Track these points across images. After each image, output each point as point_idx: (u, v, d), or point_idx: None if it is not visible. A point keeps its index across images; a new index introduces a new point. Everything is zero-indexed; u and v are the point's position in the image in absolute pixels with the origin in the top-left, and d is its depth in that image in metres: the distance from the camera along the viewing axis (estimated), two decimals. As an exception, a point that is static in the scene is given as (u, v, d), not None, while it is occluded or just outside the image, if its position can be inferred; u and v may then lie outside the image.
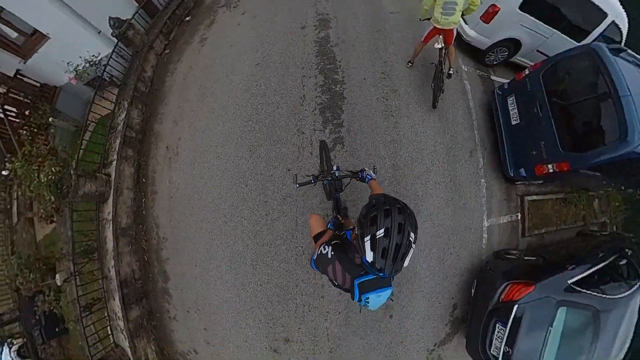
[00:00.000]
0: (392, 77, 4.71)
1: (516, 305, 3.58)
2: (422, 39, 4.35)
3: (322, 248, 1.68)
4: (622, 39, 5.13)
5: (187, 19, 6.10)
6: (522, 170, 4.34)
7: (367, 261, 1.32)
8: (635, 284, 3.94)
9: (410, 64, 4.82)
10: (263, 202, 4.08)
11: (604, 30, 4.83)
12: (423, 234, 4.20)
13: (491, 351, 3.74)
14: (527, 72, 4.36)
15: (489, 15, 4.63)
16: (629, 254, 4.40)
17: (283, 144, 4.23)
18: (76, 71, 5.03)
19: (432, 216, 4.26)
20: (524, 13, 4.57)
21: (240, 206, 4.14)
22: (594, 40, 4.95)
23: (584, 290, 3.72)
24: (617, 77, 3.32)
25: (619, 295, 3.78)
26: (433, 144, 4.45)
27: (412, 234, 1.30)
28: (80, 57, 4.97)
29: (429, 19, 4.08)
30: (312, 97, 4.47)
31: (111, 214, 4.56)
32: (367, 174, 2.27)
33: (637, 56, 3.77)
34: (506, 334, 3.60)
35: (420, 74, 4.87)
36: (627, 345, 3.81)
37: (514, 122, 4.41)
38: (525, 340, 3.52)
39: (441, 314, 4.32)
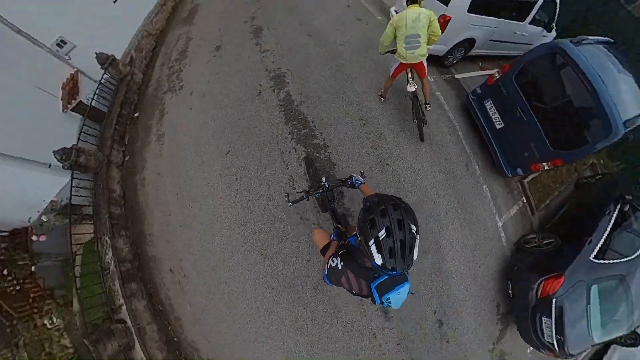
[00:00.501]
0: (372, 121, 4.57)
1: (554, 300, 3.88)
2: (390, 74, 4.17)
3: (330, 261, 1.68)
4: (556, 6, 5.38)
5: (136, 115, 5.52)
6: (518, 169, 4.46)
7: (377, 264, 1.32)
8: None
9: (382, 98, 4.68)
10: (296, 299, 3.96)
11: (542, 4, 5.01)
12: (452, 262, 4.30)
13: (545, 339, 4.06)
14: (497, 75, 4.36)
15: (441, 25, 4.46)
16: (630, 198, 4.74)
17: (293, 238, 4.03)
18: (40, 225, 4.51)
19: (454, 243, 4.33)
20: (472, 14, 4.53)
21: (275, 309, 4.00)
22: (535, 14, 5.13)
23: (607, 261, 4.04)
24: (590, 74, 3.37)
25: (638, 253, 4.14)
26: (433, 176, 4.44)
27: (413, 227, 1.32)
28: (38, 212, 4.43)
29: (390, 52, 3.91)
30: (300, 175, 4.23)
31: (144, 358, 4.31)
32: (356, 180, 2.30)
33: (595, 37, 3.84)
34: (553, 325, 3.91)
35: (395, 105, 4.76)
36: None
37: (498, 127, 4.45)
38: (571, 324, 3.84)
39: (489, 317, 4.53)
